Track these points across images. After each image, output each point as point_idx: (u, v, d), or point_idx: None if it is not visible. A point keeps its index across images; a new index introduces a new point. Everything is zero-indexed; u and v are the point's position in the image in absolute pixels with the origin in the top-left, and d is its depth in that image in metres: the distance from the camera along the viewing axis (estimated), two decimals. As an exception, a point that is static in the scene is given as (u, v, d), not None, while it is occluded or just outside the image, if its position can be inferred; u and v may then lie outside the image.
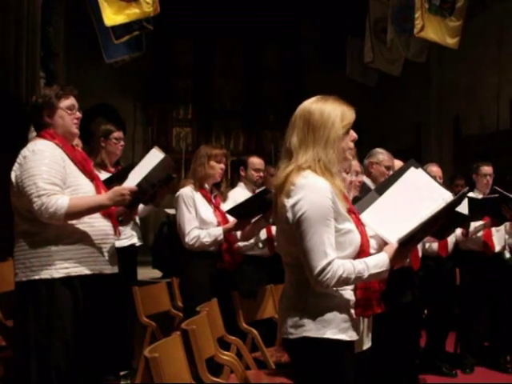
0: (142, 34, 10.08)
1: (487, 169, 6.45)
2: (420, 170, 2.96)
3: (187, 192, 4.82)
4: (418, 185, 2.90)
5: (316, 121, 2.64)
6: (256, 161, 5.89)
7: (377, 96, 15.11)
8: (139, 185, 3.84)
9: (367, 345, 2.80)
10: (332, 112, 2.65)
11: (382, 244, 2.76)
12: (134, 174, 4.07)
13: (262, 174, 5.90)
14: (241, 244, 5.34)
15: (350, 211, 2.67)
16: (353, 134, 2.73)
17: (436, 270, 6.08)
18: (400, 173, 2.98)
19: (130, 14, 8.39)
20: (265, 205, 4.54)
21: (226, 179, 5.13)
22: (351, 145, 2.74)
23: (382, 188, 2.95)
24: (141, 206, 5.03)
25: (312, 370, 2.62)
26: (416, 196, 2.85)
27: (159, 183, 4.11)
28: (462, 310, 6.57)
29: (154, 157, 4.20)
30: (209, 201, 4.89)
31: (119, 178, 4.37)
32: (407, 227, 2.64)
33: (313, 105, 2.69)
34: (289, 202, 2.57)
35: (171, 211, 9.00)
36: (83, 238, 3.70)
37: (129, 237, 5.45)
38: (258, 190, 5.23)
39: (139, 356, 4.76)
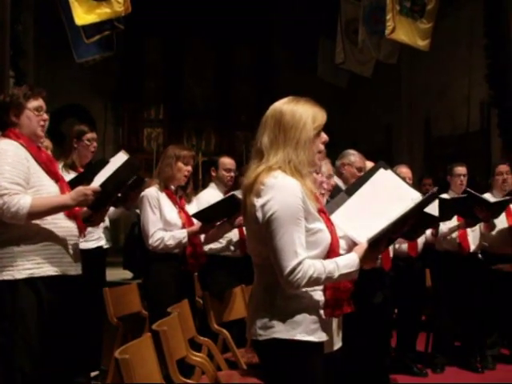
0: (113, 33, 10.00)
1: (461, 169, 6.51)
2: (389, 172, 2.97)
3: (152, 193, 4.78)
4: (388, 186, 2.90)
5: (287, 121, 2.63)
6: (227, 161, 5.86)
7: (348, 97, 15.16)
8: (103, 185, 3.82)
9: (338, 345, 2.80)
10: (304, 113, 2.64)
11: (352, 244, 2.75)
12: (100, 176, 4.05)
13: (232, 174, 5.88)
14: (213, 246, 5.33)
15: (320, 211, 2.67)
16: (324, 136, 2.73)
17: (406, 271, 6.10)
18: (369, 174, 2.98)
19: (101, 13, 8.34)
20: (230, 209, 4.54)
21: (191, 181, 5.10)
22: (321, 147, 2.74)
23: (351, 189, 2.96)
24: (111, 209, 5.01)
25: (281, 371, 2.61)
26: (385, 197, 2.85)
27: (125, 185, 4.09)
28: (433, 309, 6.62)
29: (120, 159, 4.19)
30: (174, 202, 4.86)
31: (87, 175, 4.34)
32: (377, 228, 2.64)
33: (284, 105, 2.68)
34: (258, 202, 2.56)
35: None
36: (47, 239, 3.67)
37: (96, 239, 5.41)
38: (226, 195, 5.22)
39: (110, 357, 4.73)
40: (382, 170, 2.96)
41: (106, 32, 9.59)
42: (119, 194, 4.23)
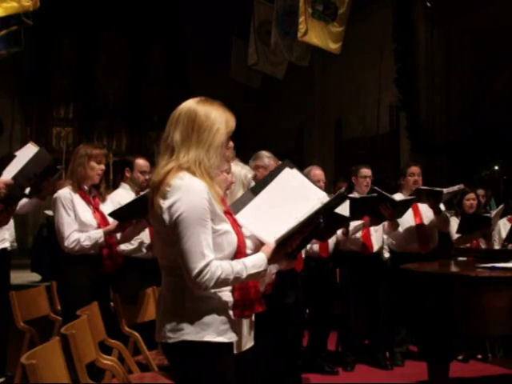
0: (21, 28, 9.72)
1: (366, 171, 6.60)
2: (295, 171, 2.97)
3: (65, 194, 4.68)
4: (293, 185, 2.91)
5: (201, 122, 2.61)
6: (142, 163, 5.79)
7: (260, 98, 15.27)
8: (14, 178, 3.72)
9: (249, 344, 2.80)
10: (218, 117, 2.65)
11: (259, 244, 2.75)
12: (9, 170, 3.95)
13: (147, 176, 5.79)
14: (125, 248, 5.25)
15: (226, 213, 2.66)
16: (230, 143, 2.75)
17: (317, 271, 6.16)
18: (275, 173, 2.98)
19: (8, 7, 8.09)
20: (146, 207, 4.47)
21: (105, 180, 5.01)
22: (227, 153, 2.74)
23: (257, 188, 2.95)
24: (24, 201, 4.88)
25: (192, 373, 2.59)
26: (291, 196, 2.86)
27: (36, 177, 4.00)
28: (342, 309, 6.70)
29: (29, 150, 4.10)
30: (88, 202, 4.78)
31: None
32: (283, 227, 2.64)
33: (199, 105, 2.66)
34: (165, 204, 2.54)
35: (51, 213, 8.77)
36: None
37: (0, 241, 5.25)
38: (142, 193, 5.14)
39: (17, 363, 4.59)
40: (287, 169, 2.96)
41: (14, 27, 9.31)
42: (28, 189, 4.12)
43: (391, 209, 6.09)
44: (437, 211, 6.53)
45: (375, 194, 6.11)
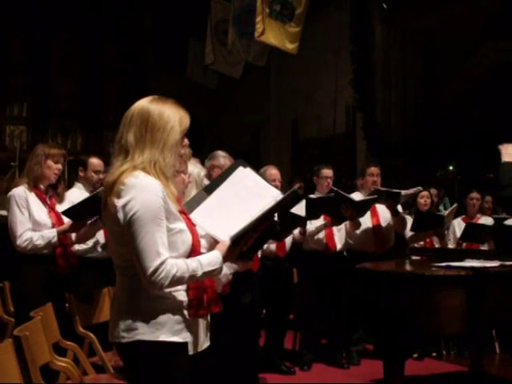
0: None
1: (328, 172, 6.62)
2: (248, 169, 2.98)
3: (20, 192, 4.62)
4: (247, 183, 2.92)
5: (155, 122, 2.60)
6: (96, 162, 5.73)
7: (217, 98, 15.24)
8: None
9: (206, 344, 2.79)
10: (172, 116, 2.63)
11: (213, 243, 2.76)
12: None
13: (101, 176, 5.74)
14: (79, 247, 5.19)
15: (180, 212, 2.66)
16: (186, 141, 2.73)
17: (274, 270, 6.17)
18: (228, 172, 2.99)
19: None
20: (100, 206, 4.42)
21: (63, 180, 4.95)
22: (182, 151, 2.73)
23: (210, 187, 2.96)
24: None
25: (146, 373, 2.57)
26: (245, 194, 2.87)
27: None
28: (300, 308, 6.72)
29: None
30: (43, 201, 4.72)
31: None
32: (238, 225, 2.65)
33: (152, 105, 2.65)
34: (119, 203, 2.51)
35: (4, 213, 8.62)
36: None
37: None
38: (95, 191, 5.09)
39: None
40: (241, 168, 2.96)
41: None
42: None
43: (351, 209, 6.12)
44: (394, 213, 6.59)
45: (332, 194, 6.13)
